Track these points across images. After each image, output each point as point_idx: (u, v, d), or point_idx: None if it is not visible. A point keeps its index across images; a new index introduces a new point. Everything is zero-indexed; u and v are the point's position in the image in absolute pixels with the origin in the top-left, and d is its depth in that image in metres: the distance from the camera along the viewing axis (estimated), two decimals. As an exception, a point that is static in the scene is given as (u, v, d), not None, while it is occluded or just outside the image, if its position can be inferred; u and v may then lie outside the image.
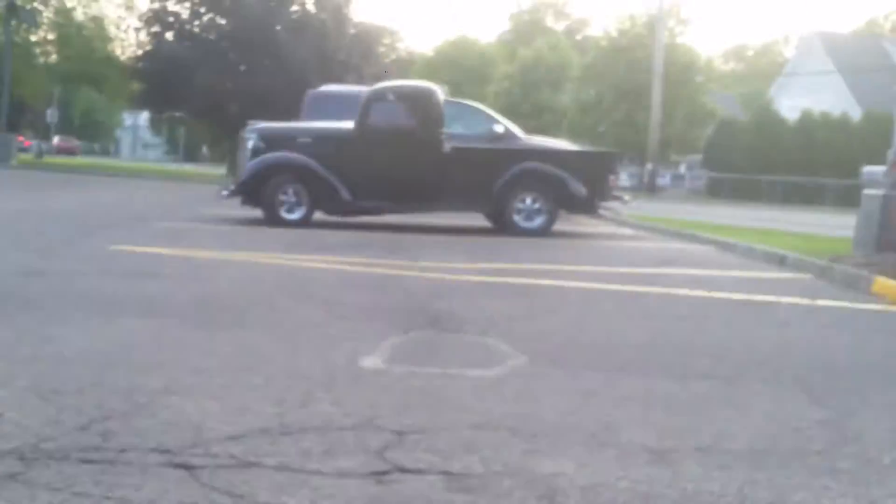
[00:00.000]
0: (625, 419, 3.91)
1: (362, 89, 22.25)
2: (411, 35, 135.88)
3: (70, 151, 64.79)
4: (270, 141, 13.27)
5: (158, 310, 5.92)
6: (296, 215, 12.93)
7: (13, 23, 31.17)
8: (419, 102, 13.72)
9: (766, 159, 44.02)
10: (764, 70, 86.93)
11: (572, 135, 53.32)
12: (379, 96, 13.72)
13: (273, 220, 12.78)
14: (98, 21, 37.96)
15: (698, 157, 55.56)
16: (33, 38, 36.67)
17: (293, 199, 12.95)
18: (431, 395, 4.13)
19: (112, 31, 38.49)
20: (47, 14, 37.34)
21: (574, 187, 13.42)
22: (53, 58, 38.37)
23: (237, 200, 13.76)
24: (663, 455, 3.44)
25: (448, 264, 9.26)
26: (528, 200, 13.45)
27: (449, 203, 13.68)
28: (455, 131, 19.47)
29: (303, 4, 31.10)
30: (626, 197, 14.95)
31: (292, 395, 4.00)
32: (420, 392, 4.18)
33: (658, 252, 12.05)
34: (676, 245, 13.52)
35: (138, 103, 32.34)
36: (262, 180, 12.96)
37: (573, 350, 5.35)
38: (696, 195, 50.46)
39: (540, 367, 4.84)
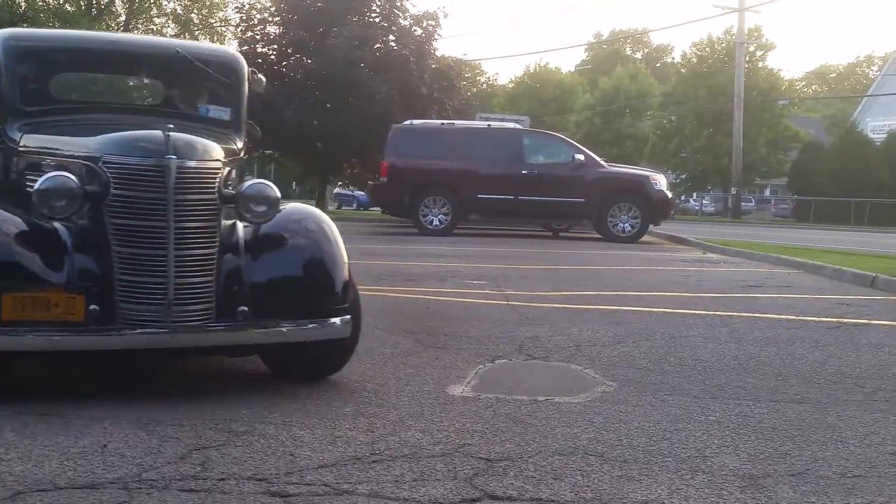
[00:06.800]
0: (716, 444, 3.88)
1: (445, 123, 22.63)
2: (492, 67, 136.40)
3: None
4: None
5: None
6: None
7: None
8: None
9: (853, 182, 43.09)
10: (847, 91, 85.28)
11: (654, 161, 53.11)
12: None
13: None
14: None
15: (783, 181, 54.72)
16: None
17: None
18: (519, 422, 4.15)
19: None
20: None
21: None
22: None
23: None
24: (756, 481, 3.41)
25: (533, 292, 9.27)
26: None
27: None
28: (537, 160, 19.72)
29: (385, 42, 31.55)
30: None
31: (382, 424, 4.06)
32: (508, 419, 4.21)
33: (745, 276, 11.88)
34: (764, 269, 13.30)
35: (230, 142, 33.13)
36: None
37: (661, 375, 5.31)
38: (782, 219, 49.65)
39: (628, 392, 4.83)
